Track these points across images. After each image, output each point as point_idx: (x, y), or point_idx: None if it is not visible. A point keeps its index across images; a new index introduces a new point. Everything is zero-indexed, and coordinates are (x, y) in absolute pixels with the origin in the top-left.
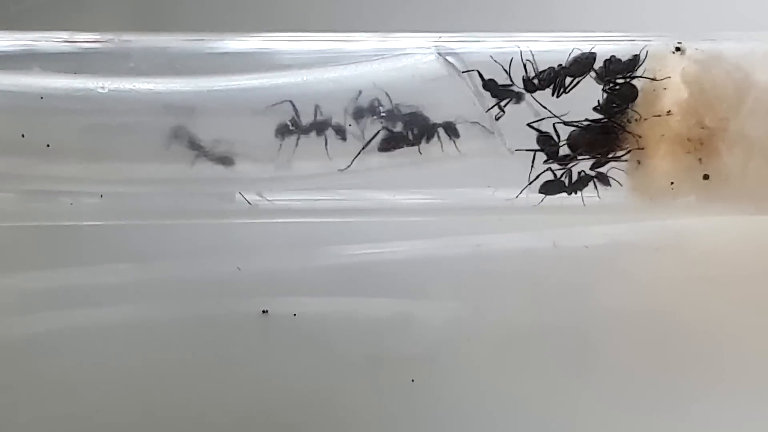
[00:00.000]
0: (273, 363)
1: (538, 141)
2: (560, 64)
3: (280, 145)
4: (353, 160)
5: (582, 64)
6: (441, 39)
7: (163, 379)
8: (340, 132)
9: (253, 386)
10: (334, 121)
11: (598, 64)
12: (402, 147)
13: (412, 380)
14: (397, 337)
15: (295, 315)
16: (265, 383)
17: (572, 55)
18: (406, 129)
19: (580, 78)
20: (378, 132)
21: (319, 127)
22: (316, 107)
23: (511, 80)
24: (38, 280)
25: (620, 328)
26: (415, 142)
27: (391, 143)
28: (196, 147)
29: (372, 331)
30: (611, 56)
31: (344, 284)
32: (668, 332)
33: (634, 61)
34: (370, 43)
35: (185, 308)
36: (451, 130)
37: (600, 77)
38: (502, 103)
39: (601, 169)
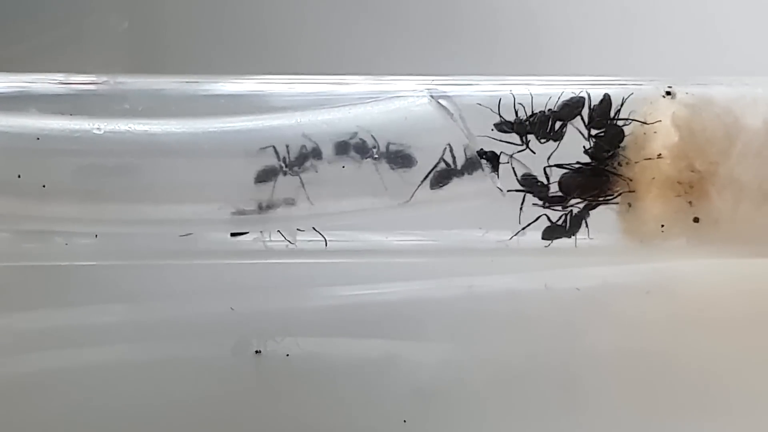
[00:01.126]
0: (266, 403)
1: (522, 183)
2: (549, 108)
3: (273, 186)
4: (413, 194)
5: (571, 108)
6: (433, 82)
7: (155, 419)
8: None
9: (246, 427)
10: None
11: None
12: (452, 180)
13: (404, 421)
14: (389, 378)
15: (288, 355)
16: (257, 423)
17: (561, 99)
18: (453, 161)
19: (569, 121)
20: (434, 168)
21: (303, 164)
22: (303, 147)
23: (527, 118)
24: (32, 320)
25: (611, 370)
26: (464, 172)
27: (443, 178)
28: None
29: (364, 371)
30: (600, 100)
31: (337, 325)
32: (659, 374)
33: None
34: (363, 85)
35: (178, 348)
36: (494, 159)
37: (586, 123)
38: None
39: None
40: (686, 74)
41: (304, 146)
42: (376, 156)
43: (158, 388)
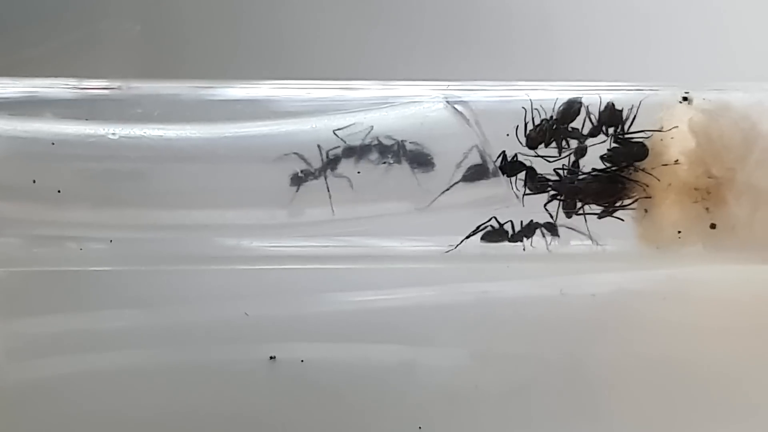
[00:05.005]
0: (280, 409)
1: (535, 186)
2: (551, 116)
3: (296, 191)
4: (436, 198)
5: (569, 110)
6: (449, 87)
7: (169, 425)
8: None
9: None
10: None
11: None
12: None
13: (420, 427)
14: (404, 384)
15: (302, 361)
16: (272, 429)
17: (558, 105)
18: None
19: (570, 123)
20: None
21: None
22: (324, 153)
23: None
24: (46, 324)
25: (627, 377)
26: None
27: (480, 174)
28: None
29: (379, 377)
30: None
31: (352, 330)
32: (675, 380)
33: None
34: (379, 91)
35: (192, 354)
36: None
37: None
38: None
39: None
40: (703, 80)
41: (333, 149)
42: (392, 161)
43: (172, 393)
